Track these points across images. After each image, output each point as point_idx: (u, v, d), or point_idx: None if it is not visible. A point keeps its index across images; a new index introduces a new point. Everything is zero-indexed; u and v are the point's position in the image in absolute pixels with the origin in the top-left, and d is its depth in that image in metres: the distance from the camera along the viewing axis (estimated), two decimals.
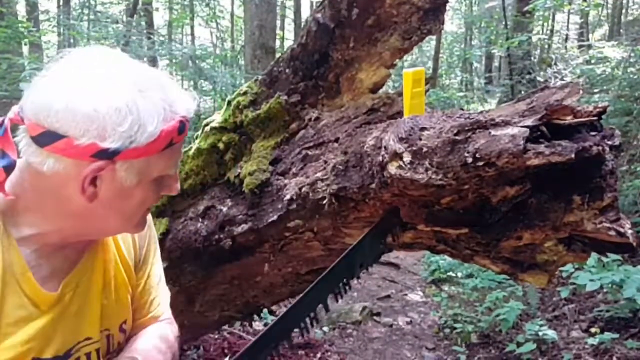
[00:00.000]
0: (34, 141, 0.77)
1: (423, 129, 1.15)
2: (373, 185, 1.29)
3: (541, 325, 3.36)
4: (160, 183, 0.87)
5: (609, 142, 0.99)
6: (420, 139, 1.14)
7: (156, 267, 1.09)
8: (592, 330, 3.34)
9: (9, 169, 0.79)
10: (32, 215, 0.83)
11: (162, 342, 1.03)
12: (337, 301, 1.17)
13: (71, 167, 0.77)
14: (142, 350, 0.99)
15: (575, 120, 0.98)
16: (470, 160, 1.03)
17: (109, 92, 0.76)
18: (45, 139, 0.76)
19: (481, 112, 1.19)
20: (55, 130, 0.75)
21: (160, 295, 1.10)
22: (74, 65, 0.79)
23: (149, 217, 0.99)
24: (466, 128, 1.06)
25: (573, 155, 0.93)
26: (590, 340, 3.18)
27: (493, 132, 1.02)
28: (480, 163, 1.02)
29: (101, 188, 0.80)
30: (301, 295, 1.09)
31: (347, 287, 1.17)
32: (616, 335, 3.13)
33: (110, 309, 0.98)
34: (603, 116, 1.04)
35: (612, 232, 1.07)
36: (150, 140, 0.78)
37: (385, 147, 1.21)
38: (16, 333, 0.82)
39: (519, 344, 3.26)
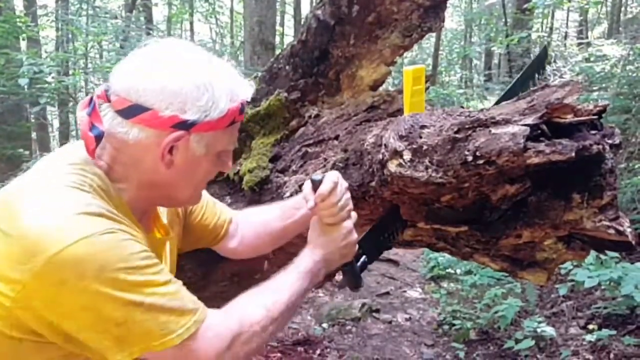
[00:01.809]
0: (119, 114, 0.89)
1: (423, 127, 1.15)
2: (373, 183, 1.29)
3: (539, 322, 3.37)
4: (220, 158, 0.99)
5: (609, 141, 1.00)
6: (421, 137, 1.14)
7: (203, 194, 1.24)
8: (590, 326, 3.35)
9: (99, 138, 0.91)
10: (124, 184, 0.95)
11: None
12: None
13: (153, 136, 0.90)
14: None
15: (576, 118, 0.98)
16: (470, 158, 1.04)
17: (190, 72, 0.90)
18: (132, 111, 0.88)
19: (481, 110, 1.19)
20: (141, 103, 0.88)
21: (218, 203, 1.33)
22: (157, 50, 0.93)
23: None
24: (466, 126, 1.06)
25: (573, 154, 0.93)
26: (588, 337, 3.19)
27: (493, 130, 1.02)
28: (481, 161, 1.02)
29: (177, 156, 0.92)
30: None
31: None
32: (614, 332, 3.15)
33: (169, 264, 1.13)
34: (603, 115, 1.04)
35: (611, 231, 1.08)
36: (220, 116, 0.91)
37: (385, 144, 1.21)
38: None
39: (517, 341, 3.27)
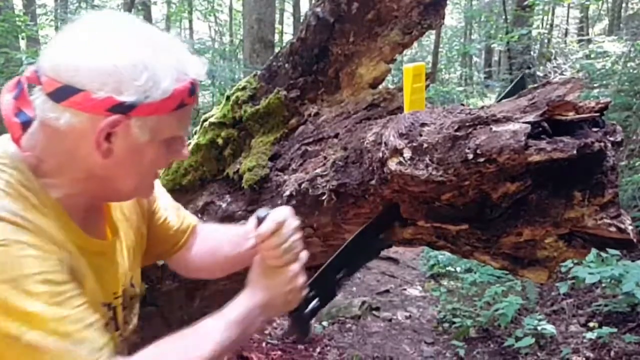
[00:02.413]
0: (50, 97, 0.78)
1: (423, 124, 1.14)
2: (373, 182, 1.28)
3: (540, 320, 3.37)
4: (170, 146, 0.89)
5: (611, 139, 0.99)
6: (421, 135, 1.13)
7: (166, 195, 1.19)
8: (591, 324, 3.35)
9: (27, 125, 0.81)
10: (57, 178, 0.84)
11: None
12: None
13: (87, 121, 0.79)
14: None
15: (577, 116, 0.97)
16: (471, 156, 1.03)
17: (126, 48, 0.79)
18: (62, 93, 0.77)
19: (482, 107, 1.19)
20: (72, 84, 0.77)
21: (181, 209, 1.22)
22: (91, 25, 0.82)
23: None
24: (467, 124, 1.06)
25: (575, 152, 0.92)
26: (589, 335, 3.19)
27: (494, 128, 1.01)
28: (481, 159, 1.02)
29: (115, 144, 0.81)
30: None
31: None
32: (614, 330, 3.15)
33: (128, 265, 1.03)
34: (604, 112, 1.03)
35: (613, 228, 1.07)
36: (164, 97, 0.81)
37: (385, 143, 1.21)
38: (83, 282, 0.84)
39: (517, 339, 3.27)
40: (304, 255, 1.01)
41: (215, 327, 0.90)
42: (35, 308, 0.71)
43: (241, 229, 1.13)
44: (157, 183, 1.14)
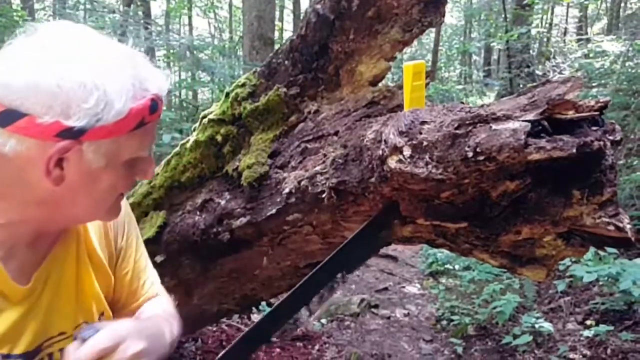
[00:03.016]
0: None
1: (423, 122, 1.14)
2: (373, 179, 1.28)
3: (537, 318, 3.38)
4: (132, 167, 0.82)
5: (610, 137, 0.99)
6: (421, 133, 1.13)
7: (142, 251, 1.07)
8: (588, 322, 3.37)
9: None
10: (1, 203, 0.78)
11: (164, 312, 1.02)
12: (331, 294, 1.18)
13: (35, 147, 0.72)
14: (145, 317, 0.98)
15: (577, 115, 0.98)
16: (470, 154, 1.03)
17: (72, 66, 0.72)
18: (6, 118, 0.71)
19: (482, 106, 1.19)
20: (15, 108, 0.70)
21: (151, 276, 1.08)
22: (35, 40, 0.74)
23: (124, 202, 0.95)
24: (467, 122, 1.06)
25: (574, 150, 0.93)
26: (586, 333, 3.20)
27: (494, 126, 1.01)
28: (481, 157, 1.02)
29: (68, 171, 0.75)
30: (292, 289, 1.09)
31: (342, 281, 1.18)
32: (611, 328, 3.16)
33: (86, 302, 0.93)
34: (604, 111, 1.03)
35: (611, 227, 1.07)
36: (119, 118, 0.73)
37: (385, 140, 1.21)
38: None
39: (515, 336, 3.28)
40: None
41: None
42: None
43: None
44: (138, 233, 1.07)
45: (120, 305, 1.03)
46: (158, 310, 1.03)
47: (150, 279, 1.08)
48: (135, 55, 0.79)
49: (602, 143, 0.96)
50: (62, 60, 0.72)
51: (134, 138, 0.78)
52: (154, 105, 0.78)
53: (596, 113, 0.99)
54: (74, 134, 0.72)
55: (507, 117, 1.01)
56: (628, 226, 1.07)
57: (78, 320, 0.92)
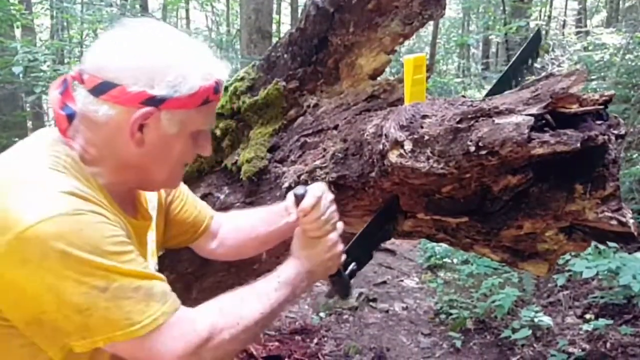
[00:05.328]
0: (91, 92, 0.89)
1: (425, 116, 1.13)
2: (373, 174, 1.27)
3: (536, 312, 3.38)
4: (196, 139, 0.97)
5: (615, 131, 0.98)
6: (422, 127, 1.12)
7: (184, 188, 1.27)
8: (587, 316, 3.37)
9: (71, 117, 0.92)
10: (99, 167, 0.93)
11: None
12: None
13: (122, 113, 0.88)
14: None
15: (581, 108, 0.96)
16: (473, 149, 1.02)
17: (158, 49, 0.90)
18: (102, 88, 0.88)
19: (484, 99, 1.17)
20: (110, 80, 0.87)
21: (198, 200, 1.31)
22: (128, 30, 0.91)
23: None
24: (469, 116, 1.05)
25: (579, 145, 0.92)
26: (585, 326, 3.21)
27: (497, 120, 1.00)
28: (483, 152, 1.01)
29: (147, 135, 0.91)
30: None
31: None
32: (610, 322, 3.16)
33: (154, 250, 1.13)
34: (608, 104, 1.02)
35: (614, 222, 1.07)
36: (190, 92, 0.90)
37: (385, 135, 1.20)
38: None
39: (514, 330, 3.28)
40: (340, 225, 1.10)
41: (269, 287, 1.00)
42: (114, 263, 0.82)
43: (274, 207, 1.25)
44: None
45: (197, 231, 1.27)
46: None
47: (200, 201, 1.31)
48: (204, 46, 0.96)
49: (606, 137, 0.96)
50: (149, 44, 0.90)
51: (200, 113, 0.94)
52: (217, 87, 0.95)
53: (600, 107, 0.98)
54: (156, 102, 0.88)
55: (510, 111, 1.00)
56: (631, 221, 1.06)
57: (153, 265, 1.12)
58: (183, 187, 1.25)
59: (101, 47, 0.92)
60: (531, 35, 1.51)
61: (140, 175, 0.97)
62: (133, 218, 1.03)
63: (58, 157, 0.89)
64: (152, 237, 1.13)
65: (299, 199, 1.04)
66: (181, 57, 0.90)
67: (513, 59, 1.43)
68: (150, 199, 1.14)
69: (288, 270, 1.04)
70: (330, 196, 1.09)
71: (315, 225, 1.05)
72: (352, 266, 1.16)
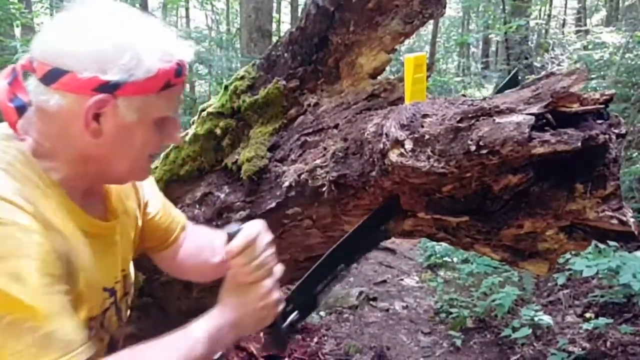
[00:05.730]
0: (41, 81, 0.82)
1: (425, 115, 1.13)
2: (373, 173, 1.27)
3: (536, 311, 3.38)
4: (161, 127, 0.90)
5: (615, 131, 0.98)
6: (422, 126, 1.12)
7: (158, 194, 1.20)
8: (587, 315, 3.37)
9: (21, 109, 0.85)
10: (54, 161, 0.86)
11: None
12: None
13: (75, 102, 0.81)
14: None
15: (582, 108, 0.96)
16: (473, 148, 1.02)
17: (109, 31, 0.82)
18: (52, 76, 0.81)
19: (485, 98, 1.17)
20: (60, 67, 0.80)
21: (172, 207, 1.23)
22: (77, 12, 0.84)
23: None
24: (470, 115, 1.05)
25: (580, 144, 0.92)
26: (585, 325, 3.21)
27: (497, 119, 1.00)
28: (484, 151, 1.01)
29: (104, 124, 0.84)
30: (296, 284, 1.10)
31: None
32: (610, 320, 3.16)
33: (126, 251, 1.05)
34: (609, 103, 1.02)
35: (615, 221, 1.07)
36: (148, 76, 0.82)
37: (386, 134, 1.20)
38: (86, 265, 0.86)
39: (514, 329, 3.28)
40: (278, 269, 0.98)
41: (182, 344, 0.87)
42: (17, 290, 0.72)
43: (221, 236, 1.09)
44: (151, 180, 1.16)
45: (167, 240, 1.17)
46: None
47: (175, 210, 1.23)
48: (162, 25, 0.88)
49: (607, 136, 0.95)
50: (100, 24, 0.82)
51: (161, 98, 0.86)
52: (179, 69, 0.87)
53: (601, 106, 0.98)
54: (110, 88, 0.81)
55: (511, 110, 1.00)
56: (632, 220, 1.06)
57: (126, 267, 1.05)
58: (157, 195, 1.18)
59: (50, 30, 0.84)
60: (508, 77, 1.47)
61: (101, 168, 0.90)
62: (100, 218, 0.95)
63: (5, 152, 0.82)
64: (124, 238, 1.03)
65: (230, 238, 0.92)
66: (136, 37, 0.82)
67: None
68: (130, 199, 1.08)
69: (208, 324, 0.91)
70: (268, 237, 0.96)
71: (247, 269, 0.93)
72: (293, 316, 1.01)
